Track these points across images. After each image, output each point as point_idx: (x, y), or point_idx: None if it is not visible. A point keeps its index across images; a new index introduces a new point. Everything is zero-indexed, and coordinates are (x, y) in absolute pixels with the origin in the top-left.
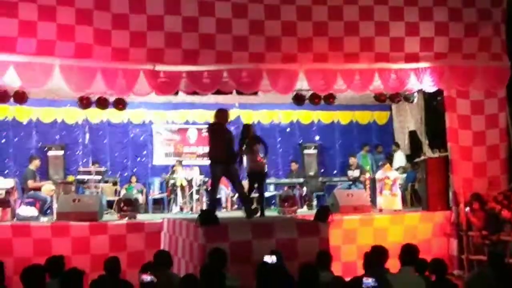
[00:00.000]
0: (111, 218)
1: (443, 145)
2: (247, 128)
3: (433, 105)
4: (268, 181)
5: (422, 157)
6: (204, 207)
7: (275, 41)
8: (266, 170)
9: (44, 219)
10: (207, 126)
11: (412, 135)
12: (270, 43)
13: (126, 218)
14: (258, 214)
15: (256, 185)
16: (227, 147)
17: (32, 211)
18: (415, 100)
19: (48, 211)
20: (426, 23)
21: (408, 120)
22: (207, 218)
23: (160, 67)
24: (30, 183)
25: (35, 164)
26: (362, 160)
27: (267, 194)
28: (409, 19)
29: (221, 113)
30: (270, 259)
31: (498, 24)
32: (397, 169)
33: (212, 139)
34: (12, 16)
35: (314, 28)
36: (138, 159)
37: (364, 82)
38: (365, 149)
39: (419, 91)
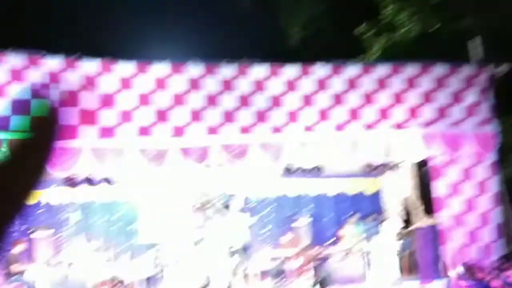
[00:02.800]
0: None
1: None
2: None
3: (421, 174)
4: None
5: (414, 226)
6: None
7: (263, 114)
8: None
9: None
10: None
11: (405, 202)
12: (259, 116)
13: None
14: None
15: None
16: None
17: None
18: (403, 168)
19: None
20: (413, 91)
21: (399, 187)
22: None
23: (148, 143)
24: (13, 268)
25: (19, 248)
26: (352, 230)
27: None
28: (396, 88)
29: None
30: None
31: (485, 89)
32: (393, 237)
33: None
34: None
35: (302, 99)
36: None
37: (351, 152)
38: (353, 219)
39: (409, 158)
